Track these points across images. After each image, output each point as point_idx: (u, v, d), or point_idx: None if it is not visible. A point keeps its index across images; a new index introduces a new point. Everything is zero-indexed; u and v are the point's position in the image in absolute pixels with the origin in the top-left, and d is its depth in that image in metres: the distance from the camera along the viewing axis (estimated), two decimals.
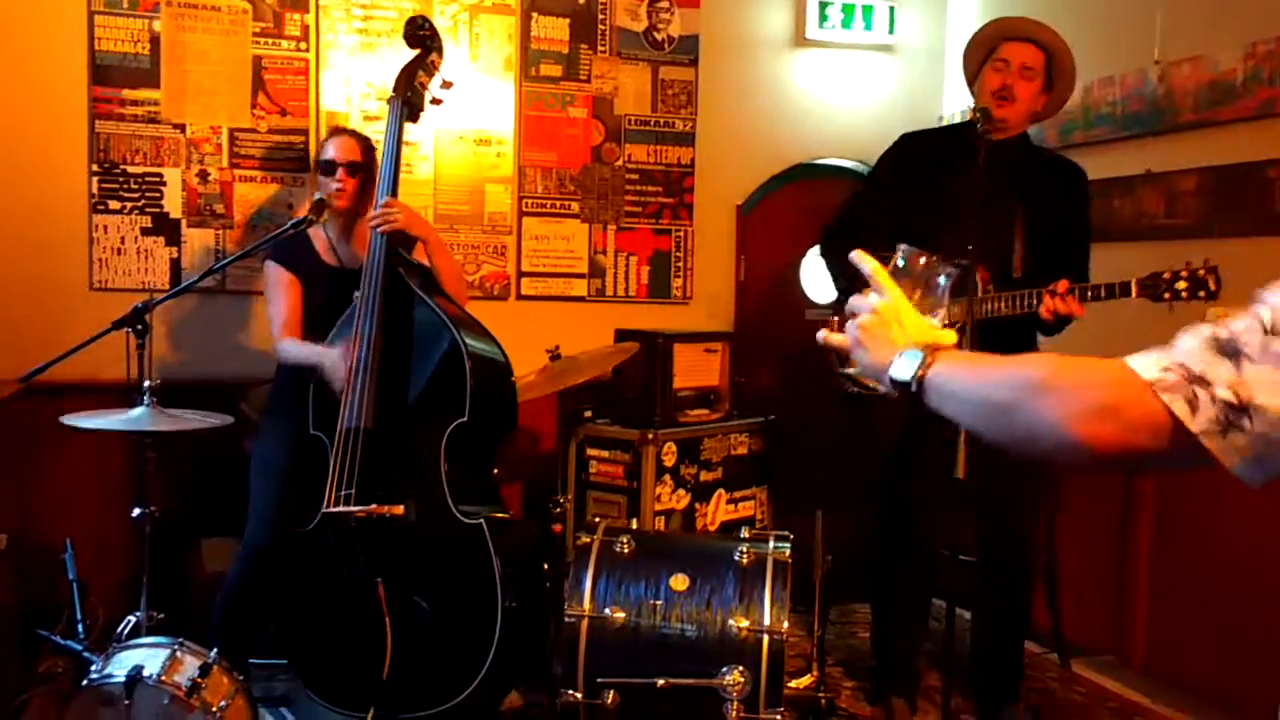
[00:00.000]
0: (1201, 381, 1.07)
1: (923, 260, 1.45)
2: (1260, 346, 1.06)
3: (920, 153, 3.53)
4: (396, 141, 3.43)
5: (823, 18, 4.83)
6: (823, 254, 3.73)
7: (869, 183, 3.66)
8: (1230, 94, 3.58)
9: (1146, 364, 1.10)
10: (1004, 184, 3.23)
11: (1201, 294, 2.94)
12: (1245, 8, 3.59)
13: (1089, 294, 3.09)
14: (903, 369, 1.33)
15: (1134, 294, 3.03)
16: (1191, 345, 1.09)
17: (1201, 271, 2.98)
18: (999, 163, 3.19)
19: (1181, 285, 2.99)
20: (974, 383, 1.27)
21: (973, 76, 3.48)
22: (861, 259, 1.46)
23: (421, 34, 3.55)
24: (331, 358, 3.29)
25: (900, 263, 1.46)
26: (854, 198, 3.68)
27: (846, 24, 4.86)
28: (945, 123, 4.81)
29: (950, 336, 1.39)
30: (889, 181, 3.55)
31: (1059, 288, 3.09)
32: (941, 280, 1.46)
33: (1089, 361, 1.15)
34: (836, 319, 3.56)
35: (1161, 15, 3.86)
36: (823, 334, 1.53)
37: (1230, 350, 1.07)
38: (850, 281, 3.49)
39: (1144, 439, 1.09)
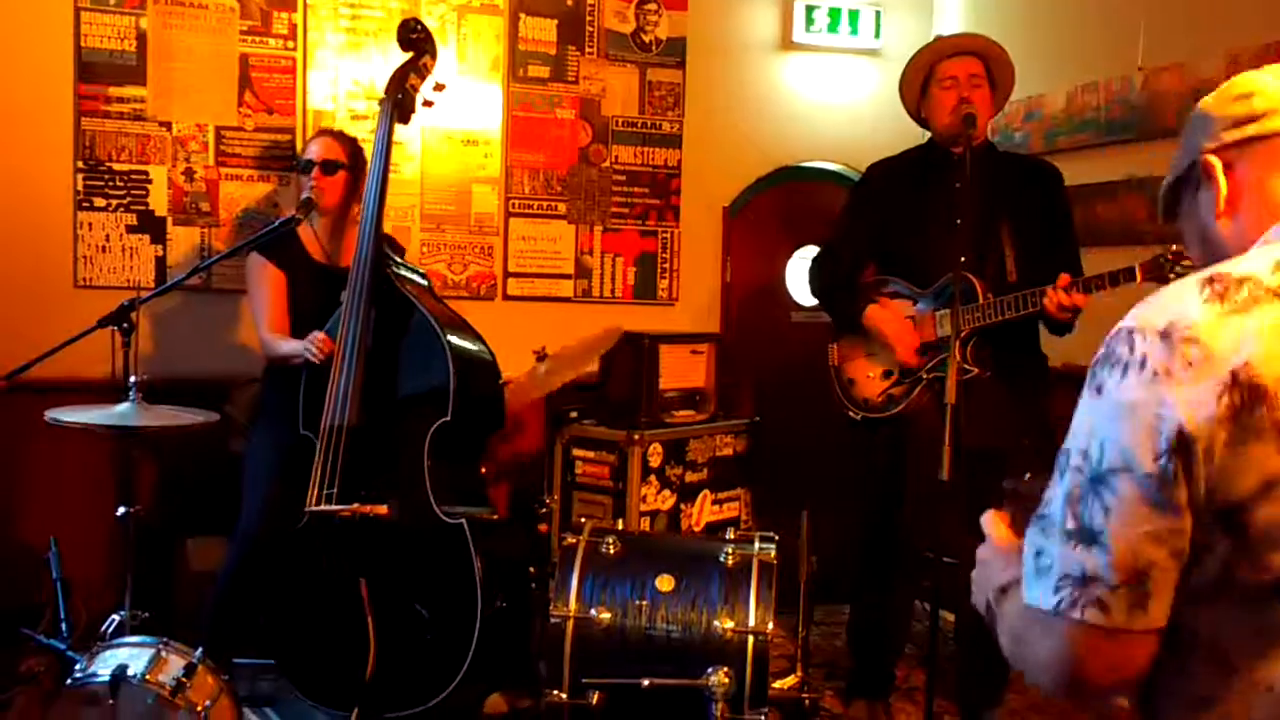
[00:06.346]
0: (1085, 579, 1.07)
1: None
2: (1103, 509, 1.07)
3: (893, 178, 3.58)
4: (386, 143, 3.45)
5: (809, 21, 4.85)
6: (816, 292, 3.76)
7: (848, 216, 3.66)
8: None
9: (1045, 597, 1.11)
10: (984, 192, 3.26)
11: None
12: (1227, 16, 3.62)
13: (1093, 285, 3.08)
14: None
15: (1139, 279, 3.01)
16: (1052, 547, 1.11)
17: None
18: (975, 173, 3.22)
19: (1187, 262, 2.99)
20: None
21: (915, 107, 3.53)
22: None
23: (415, 37, 3.55)
24: (313, 340, 3.31)
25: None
26: (835, 233, 3.69)
27: (833, 28, 4.88)
28: None
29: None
30: (868, 211, 3.59)
31: (1060, 282, 3.11)
32: None
33: (1025, 630, 1.16)
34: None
35: (1145, 22, 3.89)
36: None
37: (1088, 531, 1.08)
38: (850, 318, 3.54)
39: (1104, 664, 1.10)
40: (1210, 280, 1.11)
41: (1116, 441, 1.07)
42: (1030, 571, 1.14)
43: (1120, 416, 1.08)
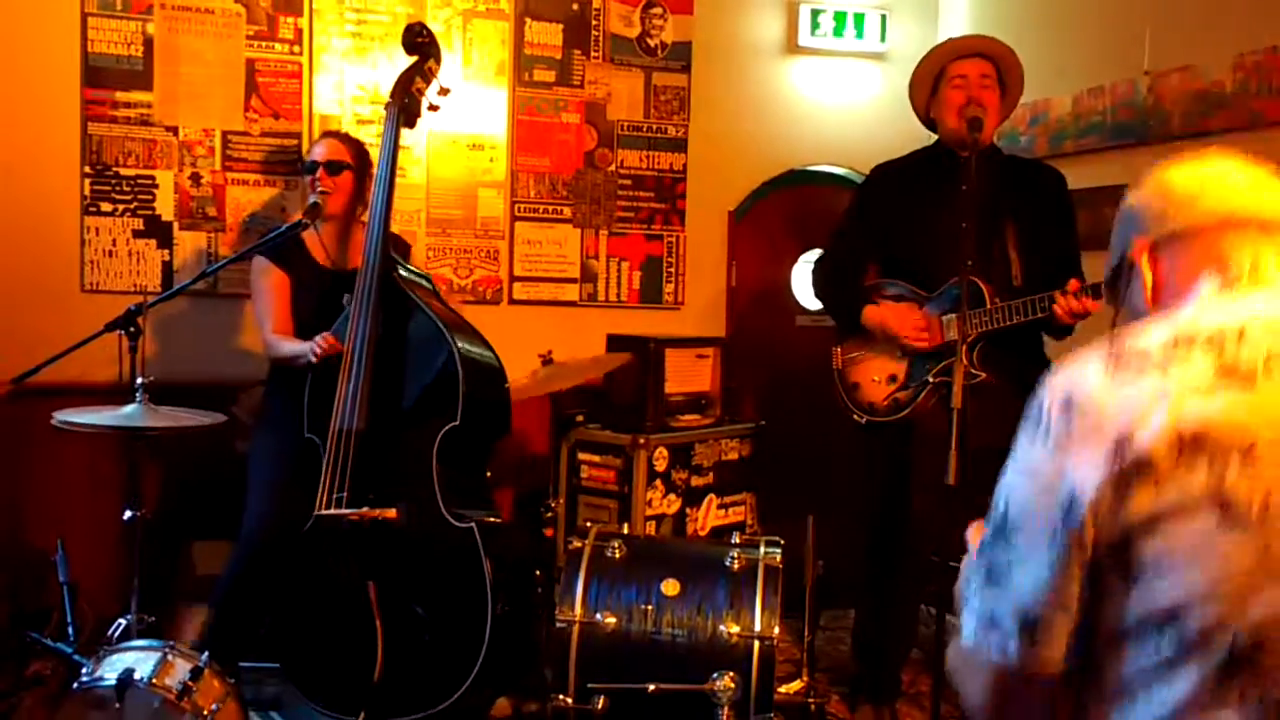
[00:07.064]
0: (992, 622, 1.21)
1: None
2: (1006, 558, 1.21)
3: (897, 180, 3.58)
4: (393, 147, 3.45)
5: (814, 25, 4.85)
6: (818, 294, 3.78)
7: (851, 218, 3.67)
8: (1219, 104, 3.60)
9: (968, 631, 1.25)
10: (988, 196, 3.26)
11: None
12: (1234, 19, 3.61)
13: (1103, 290, 3.08)
14: None
15: None
16: (973, 586, 1.25)
17: None
18: (980, 176, 3.22)
19: None
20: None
21: (924, 107, 3.53)
22: None
23: (420, 41, 3.56)
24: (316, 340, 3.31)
25: None
26: (839, 234, 3.69)
27: (838, 32, 4.88)
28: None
29: None
30: (871, 213, 3.59)
31: (1071, 288, 3.10)
32: None
33: (958, 660, 1.29)
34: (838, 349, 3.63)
35: (1151, 26, 3.89)
36: None
37: (995, 575, 1.22)
38: (850, 319, 3.54)
39: (1013, 701, 1.23)
40: (1111, 350, 1.24)
41: (1020, 499, 1.22)
42: (962, 605, 1.28)
43: (1027, 477, 1.23)
